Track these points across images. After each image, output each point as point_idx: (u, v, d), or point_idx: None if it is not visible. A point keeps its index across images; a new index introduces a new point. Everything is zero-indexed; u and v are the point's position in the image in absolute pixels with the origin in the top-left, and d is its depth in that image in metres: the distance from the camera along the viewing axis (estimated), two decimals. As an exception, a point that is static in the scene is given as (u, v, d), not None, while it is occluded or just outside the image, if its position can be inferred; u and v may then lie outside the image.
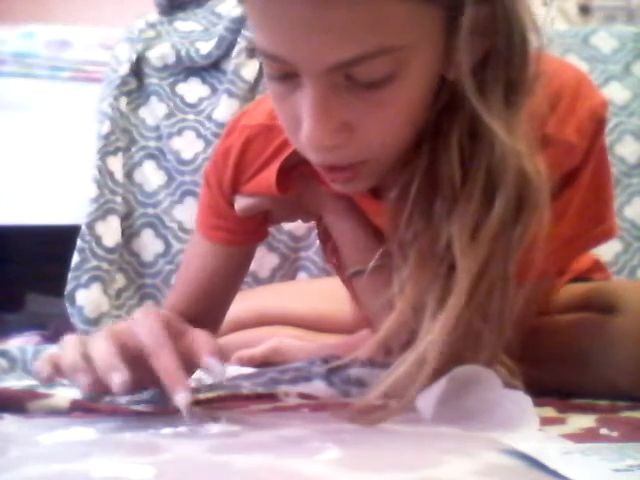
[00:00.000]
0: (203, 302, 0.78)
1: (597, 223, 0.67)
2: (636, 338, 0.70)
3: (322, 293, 1.16)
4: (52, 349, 1.02)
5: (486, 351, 0.56)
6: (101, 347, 0.54)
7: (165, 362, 0.53)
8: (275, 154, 0.70)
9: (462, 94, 0.53)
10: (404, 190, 0.58)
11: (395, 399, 0.55)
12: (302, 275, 1.31)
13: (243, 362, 1.02)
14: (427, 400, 0.55)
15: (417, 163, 0.57)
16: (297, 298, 1.18)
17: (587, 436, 0.51)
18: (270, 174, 0.69)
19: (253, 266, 1.28)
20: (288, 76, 0.52)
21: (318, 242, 0.90)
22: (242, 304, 1.15)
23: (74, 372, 0.54)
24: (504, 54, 0.53)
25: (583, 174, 0.63)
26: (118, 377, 0.51)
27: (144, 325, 0.56)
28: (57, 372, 0.55)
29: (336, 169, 0.56)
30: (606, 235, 0.69)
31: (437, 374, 0.54)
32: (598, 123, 0.62)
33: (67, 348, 0.55)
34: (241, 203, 0.73)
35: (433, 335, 0.54)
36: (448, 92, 0.55)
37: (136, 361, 0.54)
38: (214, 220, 0.76)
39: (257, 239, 0.79)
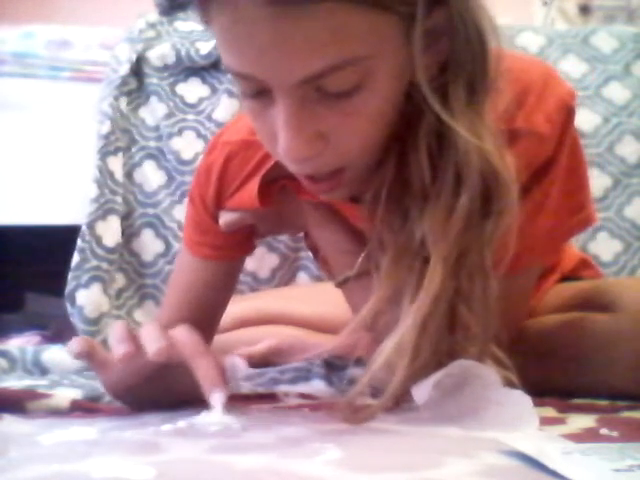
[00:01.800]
0: (193, 315, 0.78)
1: (576, 211, 0.69)
2: (634, 337, 0.70)
3: (325, 295, 1.16)
4: (52, 349, 1.02)
5: (476, 344, 0.57)
6: (149, 327, 0.56)
7: (205, 364, 0.54)
8: (256, 168, 0.71)
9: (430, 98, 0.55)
10: (378, 191, 0.59)
11: (381, 393, 0.56)
12: (302, 275, 1.31)
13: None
14: (422, 388, 0.55)
15: (387, 164, 0.59)
16: (300, 300, 1.18)
17: (587, 436, 0.51)
18: (252, 188, 0.70)
19: (253, 266, 1.28)
20: (261, 93, 0.53)
21: (312, 254, 0.91)
22: (246, 303, 1.16)
23: (118, 342, 0.55)
24: (463, 56, 0.55)
25: (558, 163, 0.65)
26: (156, 344, 0.53)
27: (185, 334, 0.57)
28: (92, 351, 0.58)
29: (317, 180, 0.58)
30: (586, 223, 0.71)
31: (430, 369, 0.55)
32: (567, 113, 0.64)
33: (116, 327, 0.57)
34: (225, 218, 0.74)
35: (408, 322, 0.55)
36: (416, 96, 0.56)
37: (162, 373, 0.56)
38: (199, 236, 0.77)
39: (243, 253, 0.80)
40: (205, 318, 0.81)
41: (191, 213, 0.78)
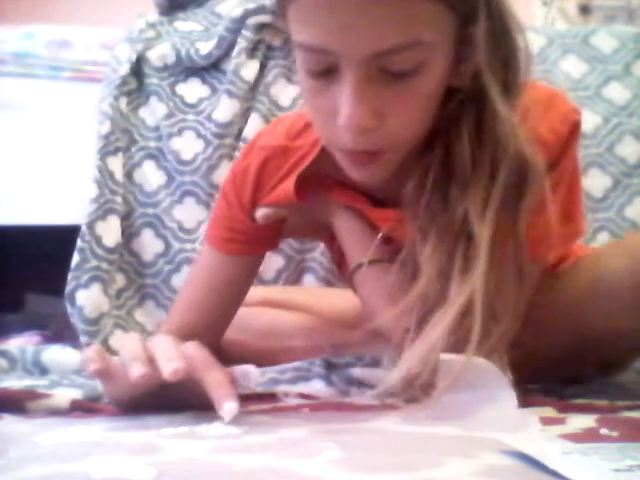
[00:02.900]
0: (210, 313, 0.83)
1: (567, 221, 0.73)
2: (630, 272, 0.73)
3: (347, 295, 1.16)
4: (52, 349, 1.02)
5: (502, 326, 0.61)
6: (163, 343, 0.57)
7: (215, 377, 0.55)
8: (292, 169, 0.78)
9: (471, 95, 0.63)
10: (421, 179, 0.66)
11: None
12: (309, 277, 1.30)
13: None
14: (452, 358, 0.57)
15: (433, 155, 0.65)
16: (324, 296, 1.18)
17: (587, 436, 0.51)
18: (288, 186, 0.77)
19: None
20: (327, 71, 0.59)
21: (335, 266, 0.96)
22: (274, 288, 1.20)
23: (133, 360, 0.55)
24: (501, 61, 0.62)
25: (559, 169, 0.69)
26: (173, 365, 0.53)
27: (196, 348, 0.58)
28: (107, 369, 0.57)
29: (356, 153, 0.63)
30: (576, 234, 0.76)
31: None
32: (571, 126, 0.70)
33: (130, 340, 0.58)
34: (262, 212, 0.80)
35: (459, 301, 0.60)
36: (451, 97, 0.64)
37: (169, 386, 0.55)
38: (229, 233, 0.83)
39: (266, 249, 0.86)
40: (221, 316, 0.86)
41: (222, 211, 0.84)
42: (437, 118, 0.64)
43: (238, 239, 0.82)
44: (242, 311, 0.91)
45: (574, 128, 0.70)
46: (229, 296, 0.85)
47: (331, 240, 0.85)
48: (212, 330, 0.84)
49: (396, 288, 0.66)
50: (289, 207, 0.79)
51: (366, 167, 0.64)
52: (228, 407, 0.52)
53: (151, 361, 0.55)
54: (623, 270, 0.73)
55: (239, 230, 0.82)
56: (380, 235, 0.73)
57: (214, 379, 0.54)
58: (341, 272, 0.88)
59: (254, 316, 1.02)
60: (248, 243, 0.82)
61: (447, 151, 0.65)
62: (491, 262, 0.61)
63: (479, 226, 0.62)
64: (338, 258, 0.85)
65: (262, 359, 0.95)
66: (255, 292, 0.91)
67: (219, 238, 0.83)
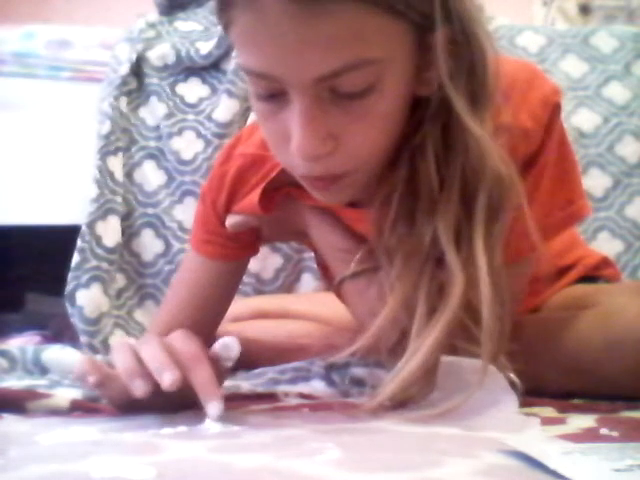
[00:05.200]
0: (195, 315, 0.82)
1: (566, 205, 0.70)
2: (600, 326, 0.71)
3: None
4: (52, 349, 1.02)
5: (491, 343, 0.58)
6: (152, 350, 0.55)
7: (201, 375, 0.55)
8: (262, 179, 0.75)
9: (435, 108, 0.59)
10: (386, 200, 0.62)
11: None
12: (306, 276, 1.30)
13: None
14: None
15: (397, 174, 0.61)
16: (322, 302, 1.18)
17: (587, 436, 0.51)
18: (255, 197, 0.75)
19: (256, 267, 1.28)
20: (275, 95, 0.55)
21: (320, 270, 0.93)
22: (267, 298, 1.18)
23: (131, 377, 0.54)
24: (465, 70, 0.57)
25: (543, 158, 0.66)
26: (169, 376, 0.52)
27: (183, 342, 0.58)
28: (105, 378, 0.56)
29: (316, 179, 0.60)
30: (577, 215, 0.72)
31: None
32: (552, 109, 0.66)
33: (120, 354, 0.56)
34: (231, 220, 0.79)
35: (434, 335, 0.57)
36: (421, 108, 0.60)
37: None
38: (207, 235, 0.82)
39: (247, 254, 0.85)
40: (206, 319, 0.84)
41: (201, 213, 0.83)
42: (405, 131, 0.60)
43: (216, 242, 0.81)
44: (234, 327, 0.90)
45: (554, 112, 0.66)
46: (213, 298, 0.84)
47: (312, 245, 0.83)
48: (200, 329, 0.83)
49: (379, 300, 0.63)
50: (259, 216, 0.77)
51: (328, 190, 0.61)
52: (212, 408, 0.53)
53: (145, 368, 0.54)
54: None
55: (215, 233, 0.81)
56: (358, 256, 0.70)
57: (200, 377, 0.54)
58: (326, 277, 0.86)
59: (247, 328, 1.01)
60: (225, 247, 0.81)
61: (413, 169, 0.61)
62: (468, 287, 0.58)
63: (453, 258, 0.58)
64: (322, 262, 0.83)
65: (265, 359, 0.95)
66: (248, 304, 0.89)
67: (199, 240, 0.83)
